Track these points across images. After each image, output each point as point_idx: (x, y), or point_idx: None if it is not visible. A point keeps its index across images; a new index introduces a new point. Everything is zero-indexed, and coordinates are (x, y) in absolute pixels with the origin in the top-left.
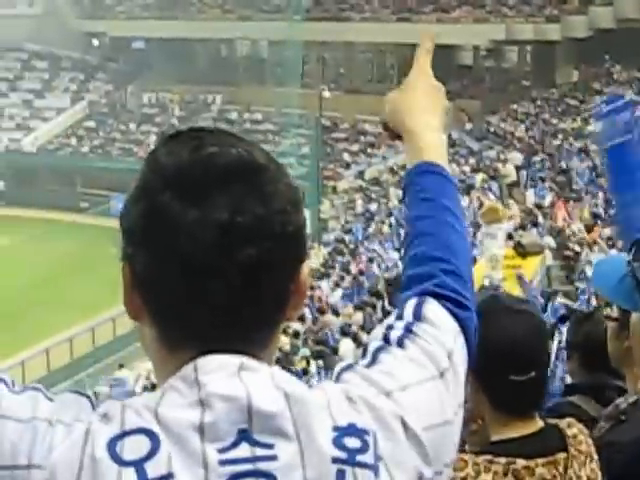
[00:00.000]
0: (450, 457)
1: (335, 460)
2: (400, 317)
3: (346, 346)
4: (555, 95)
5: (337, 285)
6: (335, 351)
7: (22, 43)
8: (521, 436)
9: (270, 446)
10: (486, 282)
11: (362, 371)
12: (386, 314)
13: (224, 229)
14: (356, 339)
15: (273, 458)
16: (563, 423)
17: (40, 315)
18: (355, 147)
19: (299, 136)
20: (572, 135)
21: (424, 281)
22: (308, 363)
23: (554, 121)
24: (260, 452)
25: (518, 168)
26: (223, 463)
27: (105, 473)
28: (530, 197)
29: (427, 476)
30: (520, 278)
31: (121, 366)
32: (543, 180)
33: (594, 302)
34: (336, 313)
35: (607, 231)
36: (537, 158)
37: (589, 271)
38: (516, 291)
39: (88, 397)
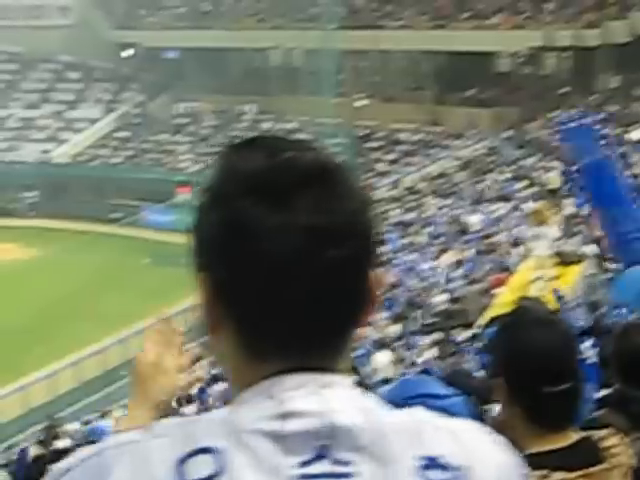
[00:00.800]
0: None
1: None
2: None
3: (382, 358)
4: (595, 102)
5: None
6: (355, 369)
7: (55, 54)
8: (556, 449)
9: (349, 463)
10: (532, 288)
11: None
12: (426, 327)
13: (308, 232)
14: (393, 351)
15: (352, 475)
16: (599, 435)
17: (72, 327)
18: (390, 156)
19: (333, 146)
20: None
21: None
22: None
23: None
24: (339, 469)
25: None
26: (301, 478)
27: None
28: (569, 206)
29: None
30: (556, 294)
31: None
32: (582, 189)
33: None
34: (370, 325)
35: None
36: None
37: None
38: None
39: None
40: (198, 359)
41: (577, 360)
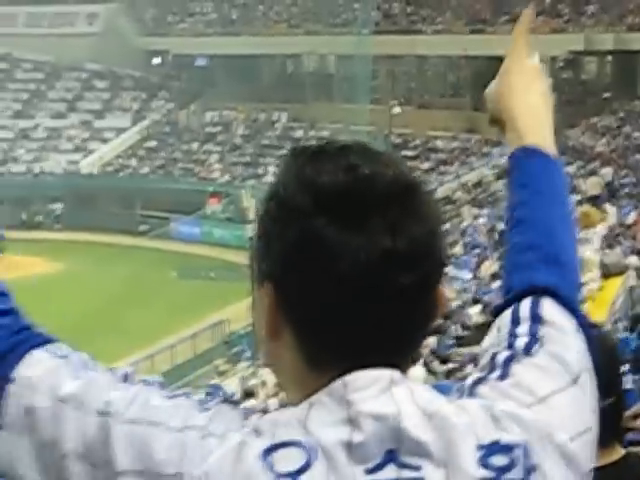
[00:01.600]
0: (590, 465)
1: None
2: (517, 321)
3: (416, 372)
4: (638, 107)
5: None
6: None
7: (82, 62)
8: (602, 465)
9: (417, 468)
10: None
11: (496, 384)
12: (459, 339)
13: (387, 254)
14: (427, 365)
15: None
16: None
17: (99, 342)
18: (427, 165)
19: None
20: None
21: (527, 270)
22: None
23: (636, 134)
24: (406, 474)
25: (607, 184)
26: None
27: None
28: (612, 214)
29: None
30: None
31: None
32: (631, 197)
33: None
34: None
35: None
36: (619, 174)
37: None
38: (600, 309)
39: (241, 410)
40: None
41: (620, 373)
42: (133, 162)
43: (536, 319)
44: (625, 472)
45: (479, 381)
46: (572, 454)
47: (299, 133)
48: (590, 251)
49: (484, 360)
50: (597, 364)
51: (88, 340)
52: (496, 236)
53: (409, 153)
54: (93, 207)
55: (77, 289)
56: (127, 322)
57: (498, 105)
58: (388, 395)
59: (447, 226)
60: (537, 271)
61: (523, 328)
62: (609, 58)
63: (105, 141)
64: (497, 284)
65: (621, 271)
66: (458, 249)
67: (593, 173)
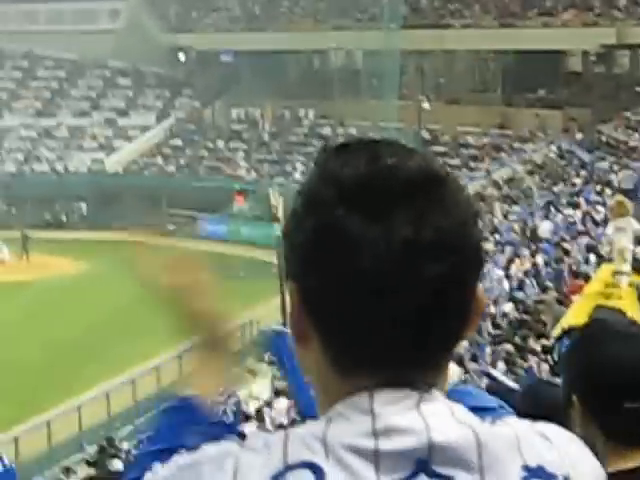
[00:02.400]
0: None
1: None
2: None
3: (452, 370)
4: None
5: None
6: None
7: (105, 59)
8: (631, 469)
9: (450, 478)
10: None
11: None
12: (495, 337)
13: (409, 245)
14: (461, 363)
15: None
16: None
17: (126, 343)
18: (456, 161)
19: None
20: None
21: None
22: None
23: None
24: None
25: None
26: None
27: None
28: None
29: None
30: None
31: None
32: None
33: None
34: None
35: None
36: None
37: None
38: (633, 308)
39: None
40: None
41: None
42: (158, 160)
43: None
44: None
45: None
46: None
47: (327, 130)
48: (625, 240)
49: None
50: (631, 366)
51: (116, 340)
52: (528, 233)
53: (439, 149)
54: (118, 206)
55: (103, 289)
56: (155, 321)
57: None
58: (415, 411)
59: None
60: None
61: None
62: None
63: (129, 139)
64: (529, 282)
65: None
66: (489, 246)
67: (626, 167)
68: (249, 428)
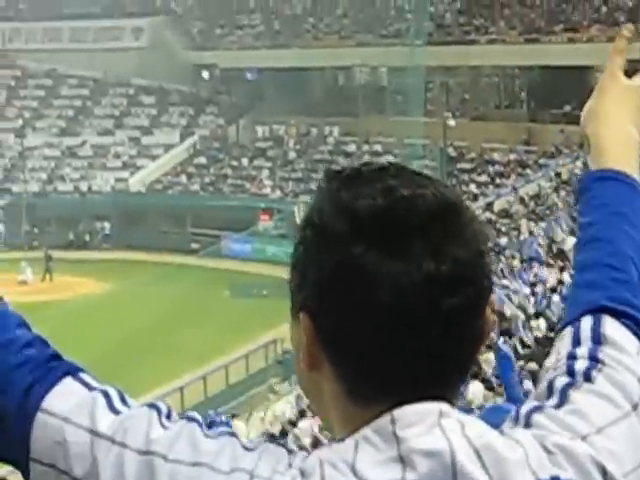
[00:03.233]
0: None
1: None
2: (577, 342)
3: (475, 388)
4: None
5: None
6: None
7: (128, 77)
8: None
9: None
10: None
11: (553, 413)
12: (519, 354)
13: (430, 279)
14: (485, 381)
15: None
16: None
17: (150, 363)
18: (483, 177)
19: (423, 168)
20: None
21: (593, 289)
22: None
23: None
24: None
25: None
26: None
27: None
28: None
29: None
30: None
31: (233, 416)
32: None
33: None
34: None
35: None
36: None
37: None
38: None
39: (286, 448)
40: None
41: None
42: (182, 179)
43: (597, 339)
44: None
45: (535, 409)
46: None
47: (352, 147)
48: None
49: (542, 385)
50: None
51: (140, 360)
52: (554, 249)
53: (465, 166)
54: (142, 225)
55: (127, 309)
56: (179, 342)
57: (589, 123)
58: (438, 429)
59: (504, 240)
60: (606, 290)
61: (583, 350)
62: None
63: (153, 158)
64: (556, 298)
65: None
66: (516, 263)
67: None
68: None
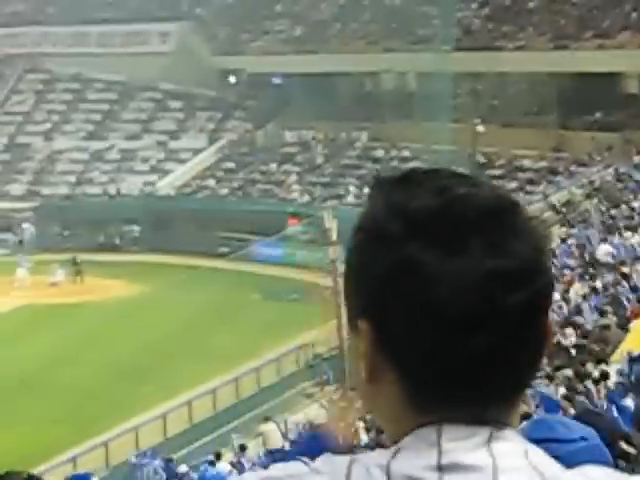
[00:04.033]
0: None
1: None
2: None
3: None
4: None
5: None
6: None
7: (155, 82)
8: None
9: None
10: None
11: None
12: (551, 363)
13: (489, 276)
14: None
15: None
16: None
17: (181, 366)
18: (512, 184)
19: None
20: None
21: None
22: None
23: None
24: None
25: None
26: None
27: None
28: None
29: None
30: None
31: (266, 419)
32: None
33: None
34: None
35: None
36: None
37: None
38: None
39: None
40: None
41: None
42: (211, 183)
43: None
44: None
45: None
46: None
47: (379, 153)
48: None
49: None
50: None
51: (171, 363)
52: (586, 256)
53: (495, 172)
54: (171, 229)
55: (158, 312)
56: (210, 345)
57: None
58: (485, 449)
59: None
60: None
61: None
62: None
63: (181, 162)
64: (586, 306)
65: None
66: None
67: None
68: None
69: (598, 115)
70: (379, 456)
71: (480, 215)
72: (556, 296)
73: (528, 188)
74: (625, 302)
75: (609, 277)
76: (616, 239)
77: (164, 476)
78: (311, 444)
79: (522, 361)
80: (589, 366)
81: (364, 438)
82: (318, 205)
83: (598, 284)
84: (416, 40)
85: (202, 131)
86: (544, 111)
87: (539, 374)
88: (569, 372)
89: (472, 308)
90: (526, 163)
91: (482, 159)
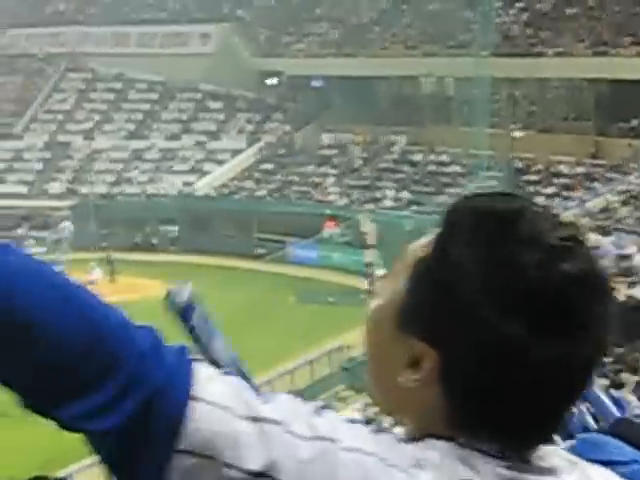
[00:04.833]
0: None
1: None
2: None
3: None
4: None
5: None
6: None
7: (196, 83)
8: None
9: None
10: None
11: None
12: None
13: (589, 364)
14: None
15: None
16: None
17: None
18: (550, 190)
19: (489, 179)
20: None
21: None
22: None
23: None
24: None
25: None
26: None
27: None
28: None
29: None
30: None
31: None
32: None
33: None
34: None
35: None
36: None
37: None
38: None
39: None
40: None
41: None
42: (249, 184)
43: None
44: None
45: None
46: None
47: (417, 157)
48: None
49: None
50: None
51: None
52: (623, 263)
53: (532, 178)
54: (208, 230)
55: None
56: (244, 347)
57: None
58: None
59: None
60: None
61: None
62: None
63: (220, 162)
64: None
65: None
66: None
67: None
68: None
69: (636, 122)
70: (447, 454)
71: (594, 291)
72: None
73: (565, 194)
74: None
75: None
76: None
77: None
78: None
79: (572, 399)
80: (624, 376)
81: None
82: (355, 208)
83: (636, 292)
84: (455, 45)
85: (241, 132)
86: (581, 117)
87: None
88: (605, 382)
89: (562, 388)
90: (563, 169)
91: (519, 164)
